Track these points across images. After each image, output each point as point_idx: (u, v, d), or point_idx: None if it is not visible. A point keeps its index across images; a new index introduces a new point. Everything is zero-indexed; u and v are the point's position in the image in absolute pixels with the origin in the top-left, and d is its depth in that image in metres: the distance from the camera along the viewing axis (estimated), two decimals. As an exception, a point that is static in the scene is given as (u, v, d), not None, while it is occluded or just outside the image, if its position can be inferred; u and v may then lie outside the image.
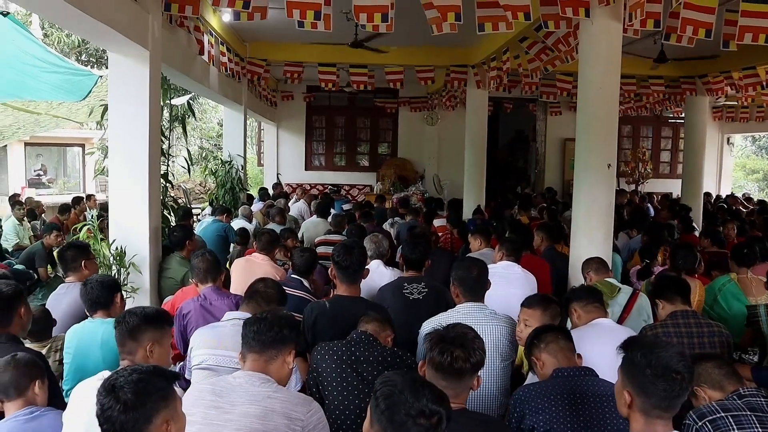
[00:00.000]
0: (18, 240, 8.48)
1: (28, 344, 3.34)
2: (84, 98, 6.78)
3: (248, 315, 2.75)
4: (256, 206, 9.78)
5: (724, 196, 14.44)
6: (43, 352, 3.31)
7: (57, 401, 2.65)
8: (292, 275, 4.33)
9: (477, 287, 3.29)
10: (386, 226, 8.01)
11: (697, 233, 7.96)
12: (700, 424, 2.25)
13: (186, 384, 3.03)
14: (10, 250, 8.15)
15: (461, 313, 3.19)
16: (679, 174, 13.14)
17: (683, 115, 12.88)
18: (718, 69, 9.94)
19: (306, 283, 4.20)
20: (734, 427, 2.20)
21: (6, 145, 12.97)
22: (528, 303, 3.21)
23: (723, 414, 2.24)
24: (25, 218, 9.18)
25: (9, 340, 2.85)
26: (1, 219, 8.41)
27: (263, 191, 11.23)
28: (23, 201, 10.30)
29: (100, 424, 1.71)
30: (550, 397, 2.47)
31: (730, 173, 17.57)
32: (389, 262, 4.69)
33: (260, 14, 5.57)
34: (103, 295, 3.27)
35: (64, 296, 3.90)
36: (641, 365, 1.93)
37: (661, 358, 1.91)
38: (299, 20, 5.08)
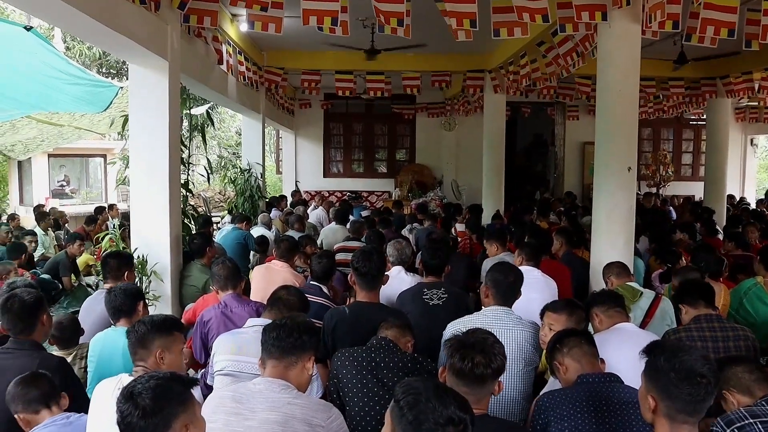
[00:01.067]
0: (43, 250, 8.62)
1: (54, 351, 3.39)
2: (105, 109, 6.88)
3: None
4: (275, 214, 9.83)
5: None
6: (69, 359, 3.36)
7: (85, 406, 2.68)
8: (311, 282, 4.33)
9: (509, 293, 3.29)
10: (405, 232, 7.99)
11: (720, 236, 7.84)
12: (728, 431, 2.20)
13: (207, 390, 3.05)
14: (35, 259, 8.27)
15: (488, 317, 3.18)
16: (701, 176, 12.95)
17: (705, 116, 12.71)
18: (740, 69, 9.80)
19: (325, 290, 4.21)
20: (763, 433, 2.16)
21: (30, 157, 13.19)
22: (553, 307, 3.17)
23: (752, 420, 2.19)
24: (50, 228, 9.32)
25: (32, 347, 2.91)
26: (37, 233, 8.53)
27: (273, 199, 11.26)
28: (48, 211, 10.48)
29: (121, 431, 1.73)
30: (576, 403, 2.44)
31: (754, 175, 17.27)
32: (409, 268, 4.68)
33: (275, 26, 5.58)
34: (126, 303, 3.31)
35: (100, 302, 3.93)
36: (665, 369, 1.89)
37: (685, 361, 1.88)
38: (318, 26, 5.12)
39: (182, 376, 1.87)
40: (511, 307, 3.28)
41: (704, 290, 3.56)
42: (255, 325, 3.07)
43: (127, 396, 1.74)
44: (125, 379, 2.45)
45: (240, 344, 2.98)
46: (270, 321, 2.91)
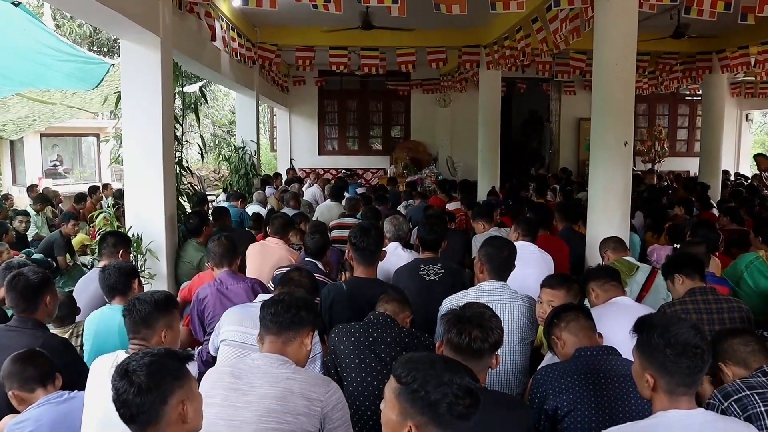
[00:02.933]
0: (36, 230, 8.58)
1: (52, 329, 3.39)
2: (96, 86, 6.78)
3: None
4: (269, 191, 9.81)
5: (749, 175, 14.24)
6: (65, 337, 3.36)
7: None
8: (306, 258, 4.33)
9: (504, 267, 3.29)
10: (400, 208, 8.00)
11: (715, 211, 7.87)
12: (726, 404, 2.22)
13: (204, 367, 3.07)
14: (30, 239, 8.24)
15: (484, 291, 3.18)
16: (697, 152, 12.97)
17: (700, 92, 12.67)
18: (736, 44, 9.74)
19: (320, 266, 4.20)
20: (760, 403, 2.18)
21: (22, 137, 13.07)
22: (550, 284, 3.17)
23: (748, 392, 2.21)
24: (47, 208, 9.27)
25: (35, 326, 2.91)
26: (30, 213, 8.46)
27: (267, 177, 11.26)
28: (42, 191, 10.41)
29: (117, 409, 1.73)
30: (574, 377, 2.45)
31: (749, 151, 17.27)
32: (405, 244, 4.68)
33: (269, 1, 5.53)
34: (121, 281, 3.30)
35: (95, 279, 3.90)
36: (660, 346, 1.88)
37: (679, 335, 1.87)
38: (311, 3, 5.07)
39: (177, 352, 1.86)
40: (506, 281, 3.29)
41: (700, 264, 3.59)
42: None
43: (122, 373, 1.73)
44: (122, 355, 2.44)
45: (248, 317, 2.99)
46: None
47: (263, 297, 3.17)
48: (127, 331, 2.54)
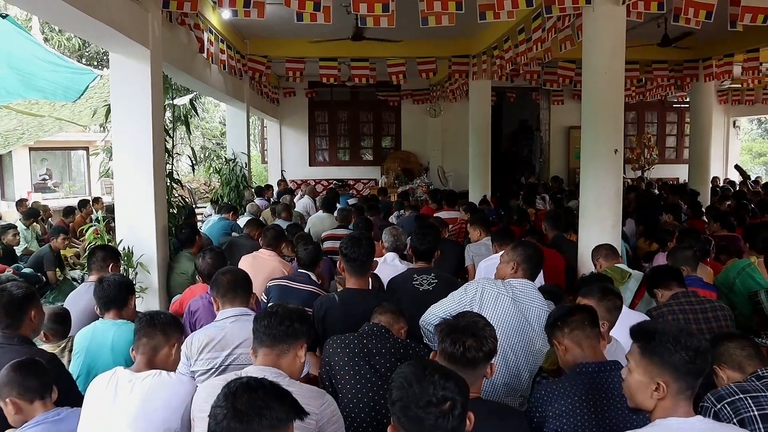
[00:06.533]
0: (26, 244, 8.50)
1: (42, 345, 3.34)
2: (81, 95, 6.71)
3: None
4: (259, 203, 9.76)
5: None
6: (56, 351, 3.31)
7: (78, 402, 2.63)
8: (299, 270, 4.31)
9: (537, 272, 3.21)
10: (392, 218, 7.98)
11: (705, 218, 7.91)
12: (719, 406, 2.22)
13: None
14: (19, 254, 8.17)
15: (517, 287, 3.03)
16: (685, 159, 13.06)
17: (688, 99, 12.79)
18: (722, 52, 9.85)
19: (313, 277, 4.18)
20: (753, 408, 2.17)
21: (11, 151, 12.99)
22: (582, 292, 3.05)
23: (742, 396, 2.21)
24: (36, 222, 9.19)
25: (21, 342, 2.86)
26: (18, 226, 8.39)
27: (259, 189, 11.26)
28: (31, 205, 10.34)
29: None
30: (575, 398, 2.35)
31: (737, 157, 17.41)
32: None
33: (257, 11, 5.53)
34: (120, 295, 3.28)
35: (85, 294, 3.87)
36: (674, 351, 1.86)
37: (687, 340, 1.86)
38: (298, 12, 5.06)
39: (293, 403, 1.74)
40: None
41: (675, 273, 3.74)
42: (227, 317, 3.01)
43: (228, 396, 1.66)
44: (120, 372, 2.42)
45: (214, 339, 2.89)
46: (232, 310, 2.98)
47: (227, 312, 3.02)
48: (140, 336, 2.54)
